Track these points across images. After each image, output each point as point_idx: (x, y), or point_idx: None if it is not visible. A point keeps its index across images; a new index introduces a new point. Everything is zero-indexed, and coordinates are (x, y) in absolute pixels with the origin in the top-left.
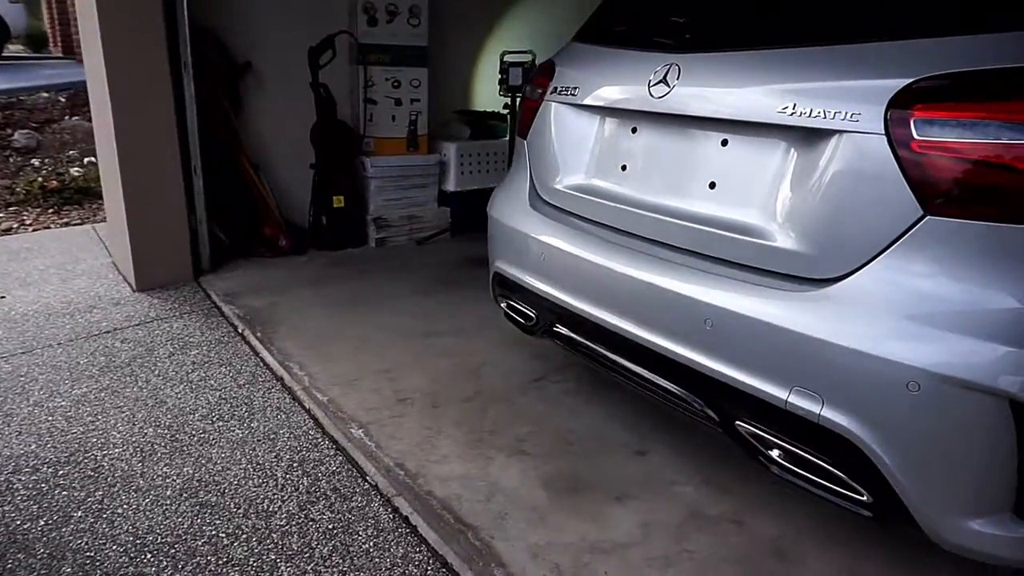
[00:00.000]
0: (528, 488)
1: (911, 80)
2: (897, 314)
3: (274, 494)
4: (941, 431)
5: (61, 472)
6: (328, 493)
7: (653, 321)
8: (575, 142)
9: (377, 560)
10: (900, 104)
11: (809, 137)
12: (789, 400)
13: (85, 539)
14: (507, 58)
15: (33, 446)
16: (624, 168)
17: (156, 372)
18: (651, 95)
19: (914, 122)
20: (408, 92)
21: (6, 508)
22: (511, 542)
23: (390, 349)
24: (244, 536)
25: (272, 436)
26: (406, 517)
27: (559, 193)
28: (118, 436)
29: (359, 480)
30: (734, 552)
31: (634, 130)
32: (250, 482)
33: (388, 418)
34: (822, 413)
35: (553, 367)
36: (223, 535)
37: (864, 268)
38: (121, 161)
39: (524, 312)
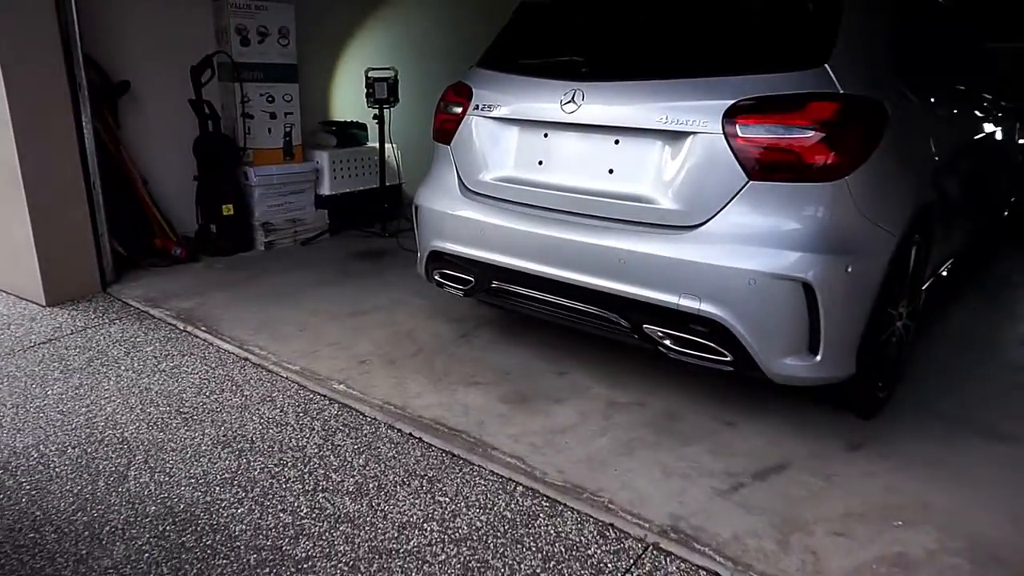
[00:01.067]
0: (491, 404)
1: (734, 101)
2: (739, 241)
3: (296, 435)
4: (769, 307)
5: (90, 449)
6: (341, 428)
7: (581, 266)
8: (497, 145)
9: (403, 460)
10: (729, 115)
11: (676, 137)
12: (680, 303)
13: (151, 487)
14: (372, 74)
15: (42, 435)
16: (541, 163)
17: (123, 368)
18: (564, 111)
19: (738, 126)
20: (282, 106)
21: (57, 480)
22: (494, 436)
23: (329, 328)
24: (290, 463)
25: (268, 398)
26: (410, 433)
27: (488, 184)
28: (123, 418)
29: (360, 417)
30: (642, 420)
31: (546, 135)
32: (270, 431)
33: (358, 375)
34: (700, 307)
35: (470, 327)
36: (272, 466)
37: (716, 216)
38: (26, 180)
39: (462, 278)
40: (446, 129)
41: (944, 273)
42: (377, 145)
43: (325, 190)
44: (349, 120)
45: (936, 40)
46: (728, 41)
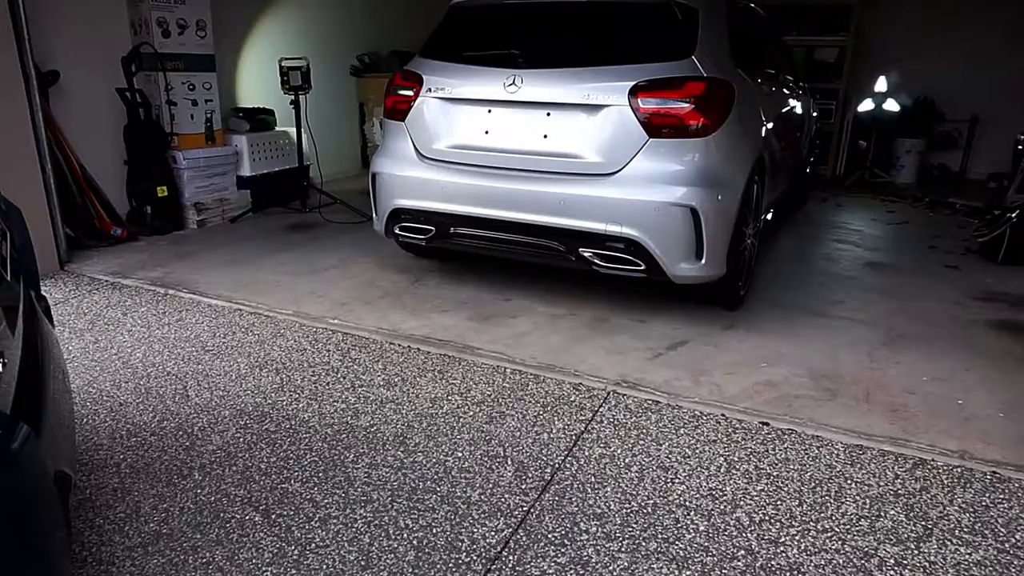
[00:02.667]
0: (462, 323)
1: (635, 82)
2: (646, 182)
3: (318, 355)
4: (669, 227)
5: (143, 382)
6: (352, 347)
7: (528, 208)
8: (448, 120)
9: (413, 362)
10: (633, 92)
11: (595, 109)
12: (607, 228)
13: (215, 400)
14: (285, 63)
15: (88, 378)
16: (487, 132)
17: (129, 326)
18: (507, 92)
19: (639, 99)
20: (202, 94)
21: (129, 406)
22: (475, 342)
23: (299, 283)
24: (323, 373)
25: (279, 334)
26: (408, 346)
27: (442, 151)
28: (157, 358)
29: (363, 339)
30: (579, 323)
31: (490, 111)
32: (294, 355)
33: (345, 313)
34: (622, 231)
35: (419, 275)
36: (309, 376)
37: (628, 165)
38: None
39: (423, 228)
40: (399, 109)
41: (770, 217)
42: (287, 129)
43: (246, 171)
44: (258, 106)
45: (757, 39)
46: (625, 40)
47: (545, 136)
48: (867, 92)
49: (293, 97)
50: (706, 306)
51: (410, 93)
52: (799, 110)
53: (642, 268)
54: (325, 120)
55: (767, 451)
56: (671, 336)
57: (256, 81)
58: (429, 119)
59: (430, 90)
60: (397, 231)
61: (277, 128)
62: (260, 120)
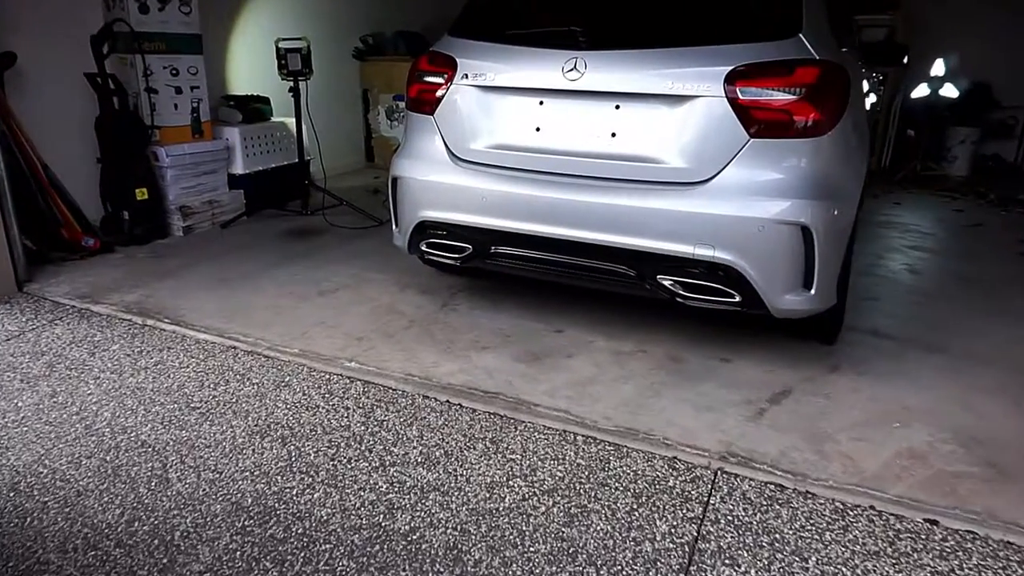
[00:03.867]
0: (508, 365)
1: (733, 67)
2: (745, 193)
3: (333, 415)
4: (774, 249)
5: (109, 457)
6: (376, 403)
7: (590, 224)
8: (490, 114)
9: (456, 426)
10: (729, 80)
11: (680, 101)
12: (695, 252)
13: (204, 486)
14: (283, 45)
15: (40, 450)
16: (538, 130)
17: (97, 370)
18: (566, 79)
19: (739, 89)
20: (187, 80)
21: (88, 494)
22: (530, 394)
23: (305, 309)
24: (343, 443)
25: (283, 383)
26: (448, 400)
27: (481, 152)
28: (129, 420)
29: (389, 391)
30: (651, 365)
31: (542, 103)
32: (303, 415)
33: (363, 351)
34: (715, 255)
35: (447, 297)
36: (325, 448)
37: (723, 171)
38: None
39: (456, 247)
40: (426, 99)
41: None
42: (285, 120)
43: (239, 168)
44: (251, 94)
45: (843, 14)
46: (715, 14)
47: (613, 135)
48: (918, 76)
49: (292, 83)
50: (798, 339)
51: (440, 80)
52: (873, 98)
53: (737, 300)
54: (325, 108)
55: (952, 570)
56: (768, 383)
57: (249, 65)
58: (465, 113)
59: (466, 76)
60: (424, 248)
61: (274, 119)
62: (254, 110)
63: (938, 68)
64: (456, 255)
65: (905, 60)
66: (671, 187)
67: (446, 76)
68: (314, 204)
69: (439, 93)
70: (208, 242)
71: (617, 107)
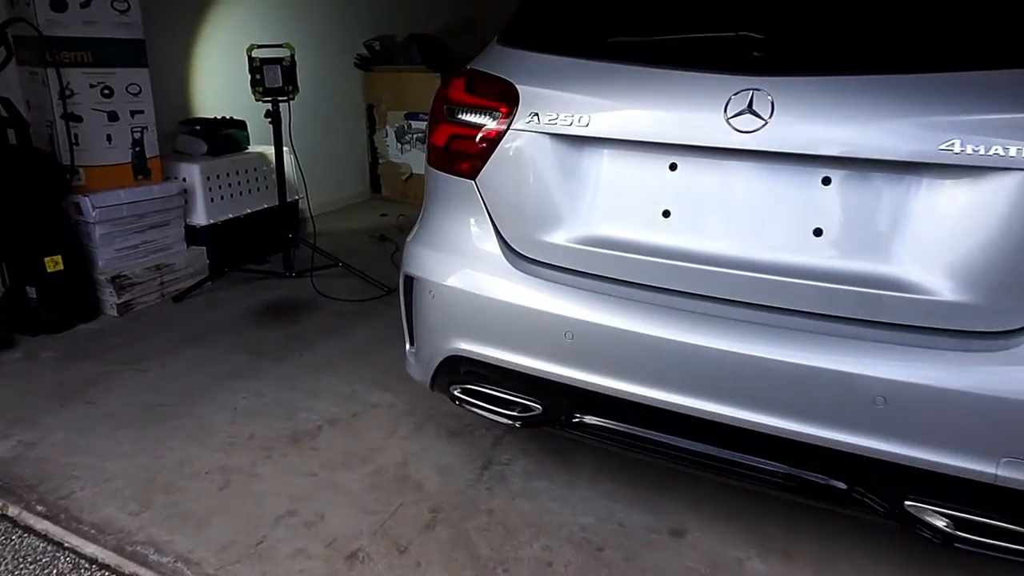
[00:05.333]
0: None
1: None
2: None
3: None
4: None
5: None
6: None
7: (772, 400)
8: (576, 184)
9: None
10: None
11: (967, 174)
12: (999, 473)
13: None
14: (257, 53)
15: None
16: (667, 214)
17: None
18: (732, 126)
19: None
20: (126, 102)
21: None
22: None
23: (267, 474)
24: None
25: None
26: None
27: (561, 250)
28: None
29: None
30: None
31: (674, 167)
32: None
33: None
34: None
35: (488, 448)
36: None
37: None
38: None
39: (516, 402)
40: (463, 153)
41: None
42: (266, 149)
43: (199, 218)
44: (221, 117)
45: None
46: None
47: (817, 233)
48: None
49: (270, 106)
50: None
51: (489, 122)
52: None
53: None
54: (321, 129)
55: None
56: None
57: (221, 79)
58: (532, 179)
59: (535, 117)
60: (458, 395)
61: (251, 149)
62: (225, 138)
63: None
64: (513, 414)
65: None
66: (942, 338)
67: (499, 115)
68: (302, 255)
69: (487, 144)
70: (150, 328)
71: (827, 181)
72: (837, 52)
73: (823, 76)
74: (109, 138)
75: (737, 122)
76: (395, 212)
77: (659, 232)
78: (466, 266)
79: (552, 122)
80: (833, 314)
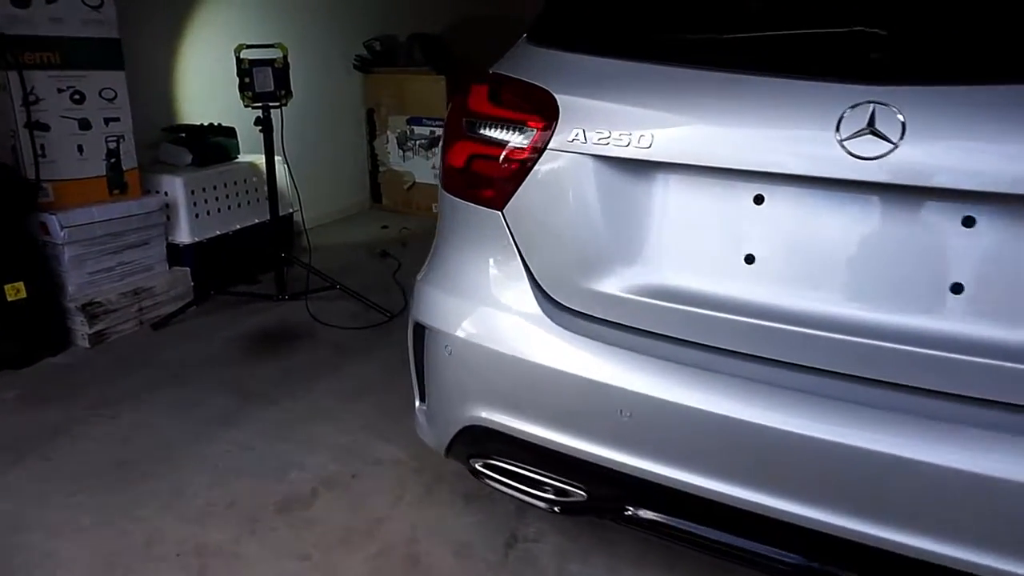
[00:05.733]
0: None
1: None
2: None
3: None
4: None
5: None
6: None
7: (898, 508)
8: (635, 218)
9: None
10: None
11: None
12: None
13: None
14: (246, 54)
15: None
16: (750, 260)
17: None
18: (845, 150)
19: None
20: (99, 108)
21: None
22: None
23: (249, 555)
24: None
25: None
26: None
27: (614, 301)
28: None
29: None
30: None
31: (759, 199)
32: None
33: None
34: None
35: (511, 517)
36: None
37: None
38: None
39: (554, 485)
40: (488, 176)
41: None
42: (255, 159)
43: (183, 236)
44: (209, 123)
45: None
46: None
47: (957, 289)
48: None
49: (261, 112)
50: None
51: (520, 140)
52: None
53: None
54: (319, 134)
55: None
56: None
57: (209, 82)
58: (575, 211)
59: (579, 135)
60: (480, 468)
61: (241, 158)
62: (213, 147)
63: None
64: (550, 498)
65: None
66: None
67: (533, 131)
68: (295, 274)
69: (517, 166)
70: (124, 362)
71: (969, 223)
72: (986, 53)
73: (968, 85)
74: (80, 149)
75: (854, 145)
76: (397, 224)
77: (740, 282)
78: (491, 318)
79: (603, 141)
80: (982, 397)
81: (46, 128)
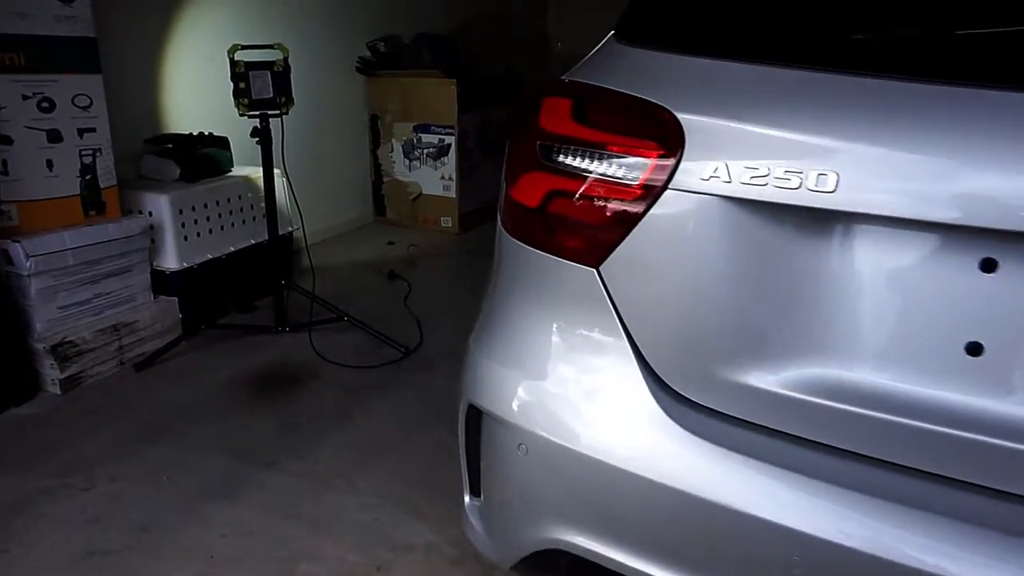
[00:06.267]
0: None
1: None
2: None
3: None
4: None
5: None
6: None
7: None
8: (803, 286)
9: None
10: None
11: None
12: None
13: None
14: (241, 56)
15: None
16: (976, 350)
17: None
18: None
19: None
20: (72, 117)
21: None
22: None
23: None
24: None
25: None
26: None
27: (766, 397)
28: None
29: None
30: None
31: (989, 265)
32: None
33: None
34: None
35: None
36: None
37: None
38: None
39: None
40: (576, 220)
41: None
42: (252, 173)
43: (170, 262)
44: (199, 133)
45: None
46: None
47: None
48: None
49: (258, 122)
50: None
51: (626, 174)
52: None
53: None
54: (319, 142)
55: None
56: None
57: (200, 88)
58: (711, 273)
59: (719, 171)
60: None
61: (235, 172)
62: (203, 159)
63: None
64: None
65: None
66: None
67: (648, 163)
68: (298, 302)
69: (623, 210)
70: (101, 413)
71: None
72: None
73: None
74: (50, 164)
75: None
76: (404, 239)
77: (962, 381)
78: (586, 412)
79: (758, 180)
80: None
81: (8, 141)
